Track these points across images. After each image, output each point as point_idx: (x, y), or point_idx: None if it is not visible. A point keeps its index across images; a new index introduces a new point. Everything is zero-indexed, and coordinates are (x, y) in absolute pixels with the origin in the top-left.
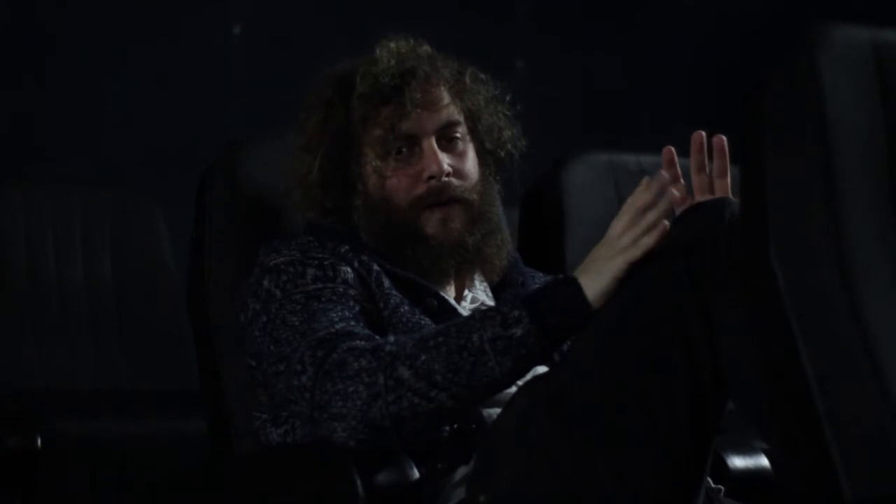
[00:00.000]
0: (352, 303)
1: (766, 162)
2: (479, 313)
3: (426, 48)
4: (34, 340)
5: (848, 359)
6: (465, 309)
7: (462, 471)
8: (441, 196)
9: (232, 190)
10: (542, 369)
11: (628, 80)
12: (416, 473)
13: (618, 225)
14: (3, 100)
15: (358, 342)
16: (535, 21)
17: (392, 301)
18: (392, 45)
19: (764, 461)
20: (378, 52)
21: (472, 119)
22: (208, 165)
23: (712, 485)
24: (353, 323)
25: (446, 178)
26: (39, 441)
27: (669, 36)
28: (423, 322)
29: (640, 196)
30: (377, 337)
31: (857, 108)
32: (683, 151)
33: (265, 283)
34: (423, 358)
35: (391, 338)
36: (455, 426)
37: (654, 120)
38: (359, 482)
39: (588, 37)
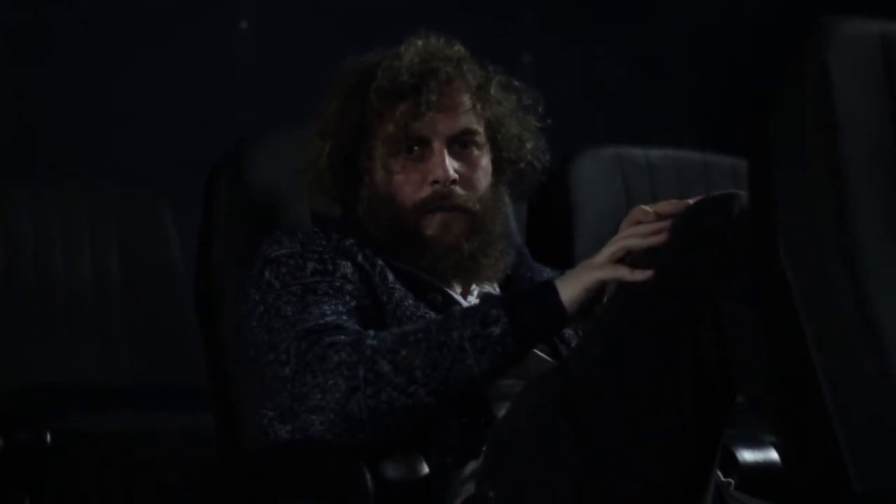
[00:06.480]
0: (347, 297)
1: (773, 159)
2: (461, 311)
3: (458, 49)
4: (42, 338)
5: (856, 353)
6: (471, 304)
7: (471, 465)
8: (443, 202)
9: (239, 187)
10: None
11: (635, 74)
12: (425, 468)
13: (607, 249)
14: (11, 99)
15: (341, 336)
16: (541, 16)
17: (396, 295)
18: (420, 42)
19: (773, 455)
20: (404, 48)
21: (492, 128)
22: (216, 163)
23: (722, 478)
24: (344, 317)
25: (451, 185)
26: (48, 437)
27: (676, 29)
28: (427, 315)
29: (638, 228)
30: (363, 331)
31: (865, 104)
32: (690, 143)
33: (266, 274)
34: (404, 353)
35: (371, 332)
36: (464, 421)
37: (662, 113)
38: (368, 476)
39: (595, 31)
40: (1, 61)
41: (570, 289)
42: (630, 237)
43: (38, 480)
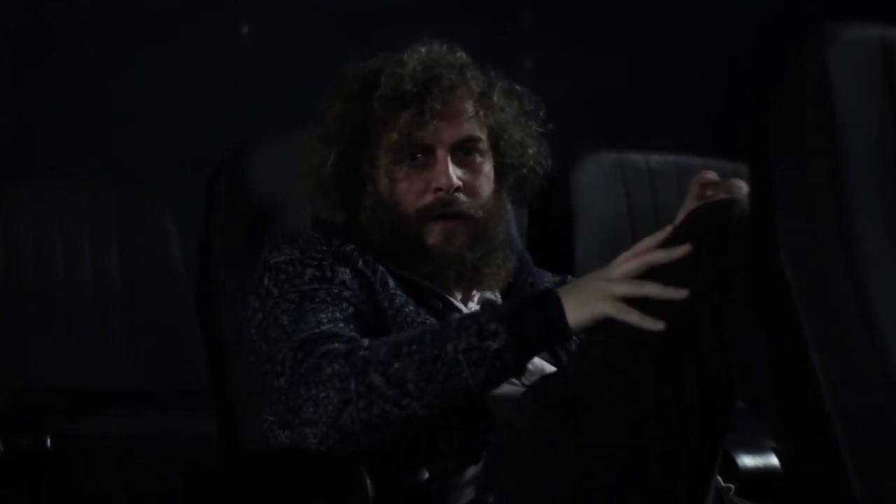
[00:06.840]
0: (345, 304)
1: (773, 160)
2: (456, 321)
3: (460, 55)
4: (43, 340)
5: (856, 353)
6: (472, 310)
7: (471, 471)
8: (447, 209)
9: (240, 190)
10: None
11: (635, 74)
12: (425, 473)
13: (622, 267)
14: (11, 99)
15: (336, 345)
16: (541, 16)
17: (397, 301)
18: (423, 49)
19: (774, 460)
20: (407, 55)
21: (495, 135)
22: (216, 164)
23: (722, 483)
24: (341, 325)
25: (455, 193)
26: (49, 441)
27: (676, 29)
28: (427, 322)
29: (655, 238)
30: (359, 339)
31: (866, 107)
32: (691, 149)
33: (265, 280)
34: (397, 366)
35: (366, 341)
36: (464, 426)
37: (663, 118)
38: (368, 481)
39: (595, 31)
40: (1, 61)
41: (577, 313)
42: (654, 251)
43: (39, 483)
